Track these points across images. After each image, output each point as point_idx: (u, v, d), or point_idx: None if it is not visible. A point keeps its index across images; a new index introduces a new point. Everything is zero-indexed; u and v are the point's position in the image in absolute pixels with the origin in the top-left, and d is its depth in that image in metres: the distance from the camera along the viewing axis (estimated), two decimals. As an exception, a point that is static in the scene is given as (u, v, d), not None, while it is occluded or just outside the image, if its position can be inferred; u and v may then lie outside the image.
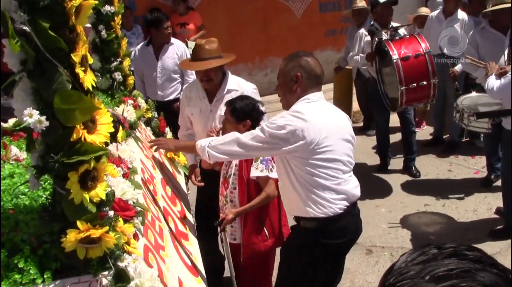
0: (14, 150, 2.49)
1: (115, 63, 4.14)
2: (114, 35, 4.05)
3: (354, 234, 2.79)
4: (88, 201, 1.71)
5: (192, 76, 5.63)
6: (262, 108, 3.30)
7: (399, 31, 5.33)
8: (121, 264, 1.78)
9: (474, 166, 6.12)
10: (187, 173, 4.13)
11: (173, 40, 5.69)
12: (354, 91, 7.85)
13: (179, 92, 5.62)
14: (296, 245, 2.73)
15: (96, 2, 1.69)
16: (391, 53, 4.86)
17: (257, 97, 3.70)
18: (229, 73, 3.81)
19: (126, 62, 4.22)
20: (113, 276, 1.76)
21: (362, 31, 6.02)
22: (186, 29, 7.68)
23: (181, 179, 4.07)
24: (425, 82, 4.84)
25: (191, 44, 6.41)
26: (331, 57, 9.76)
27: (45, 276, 1.73)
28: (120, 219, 1.88)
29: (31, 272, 1.72)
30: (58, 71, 1.61)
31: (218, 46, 3.65)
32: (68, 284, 1.75)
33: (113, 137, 3.00)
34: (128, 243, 1.90)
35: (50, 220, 1.77)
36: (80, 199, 1.69)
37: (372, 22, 5.93)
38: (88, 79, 1.68)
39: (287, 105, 2.74)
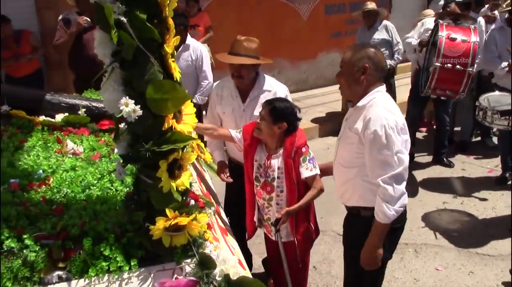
0: (70, 144, 2.52)
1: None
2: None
3: (406, 216, 2.87)
4: (175, 189, 1.75)
5: (206, 81, 5.58)
6: (299, 114, 3.33)
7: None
8: (205, 251, 1.82)
9: (487, 165, 6.22)
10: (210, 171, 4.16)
11: (190, 41, 5.62)
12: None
13: (192, 96, 5.57)
14: (359, 234, 2.77)
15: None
16: (440, 31, 4.84)
17: (289, 99, 3.75)
18: (263, 73, 3.84)
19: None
20: (197, 263, 1.80)
21: (427, 19, 6.21)
22: (196, 31, 7.70)
23: (207, 177, 4.10)
24: (461, 67, 4.76)
25: None
26: (337, 59, 9.81)
27: (132, 264, 1.76)
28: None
29: (118, 259, 1.75)
30: (150, 61, 1.65)
31: (257, 47, 3.67)
32: (153, 272, 1.78)
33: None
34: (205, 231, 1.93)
35: (135, 209, 1.80)
36: (168, 187, 1.72)
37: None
38: (177, 70, 1.71)
39: (350, 95, 2.77)
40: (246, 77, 3.62)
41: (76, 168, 2.32)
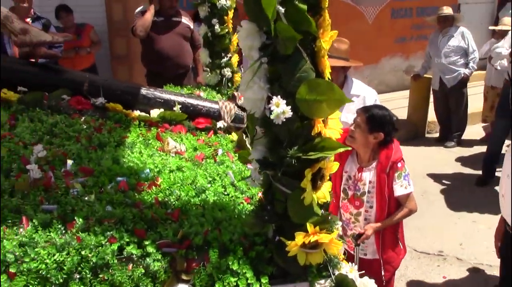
0: (172, 142, 2.37)
1: (225, 59, 4.02)
2: (226, 30, 3.95)
3: None
4: (316, 202, 1.56)
5: None
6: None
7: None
8: (342, 273, 1.63)
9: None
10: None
11: None
12: (431, 100, 7.59)
13: None
14: None
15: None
16: None
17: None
18: (351, 77, 3.64)
19: (235, 59, 4.10)
20: (333, 285, 1.61)
21: None
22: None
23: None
24: None
25: None
26: (400, 64, 9.54)
27: (262, 281, 1.59)
28: (332, 223, 1.73)
29: (247, 275, 1.58)
30: (303, 57, 1.47)
31: (347, 48, 3.48)
32: (284, 292, 1.61)
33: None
34: (337, 250, 1.74)
35: (268, 220, 1.62)
36: (310, 199, 1.54)
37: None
38: (329, 69, 1.53)
39: None
40: (335, 80, 3.43)
41: (183, 169, 2.16)
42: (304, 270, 1.62)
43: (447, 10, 6.79)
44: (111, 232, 1.65)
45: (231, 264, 1.60)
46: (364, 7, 8.93)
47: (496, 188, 5.76)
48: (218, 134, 2.65)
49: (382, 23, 9.16)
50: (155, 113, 2.69)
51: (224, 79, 4.01)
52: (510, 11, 8.07)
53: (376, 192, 2.95)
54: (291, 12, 1.41)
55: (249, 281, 1.58)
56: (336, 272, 1.64)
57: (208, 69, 4.01)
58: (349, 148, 2.80)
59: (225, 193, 2.03)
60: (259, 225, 1.64)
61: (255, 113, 1.55)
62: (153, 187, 1.98)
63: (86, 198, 1.86)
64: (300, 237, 1.54)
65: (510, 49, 5.70)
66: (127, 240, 1.63)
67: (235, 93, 3.01)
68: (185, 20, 5.50)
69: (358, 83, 3.62)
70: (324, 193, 1.58)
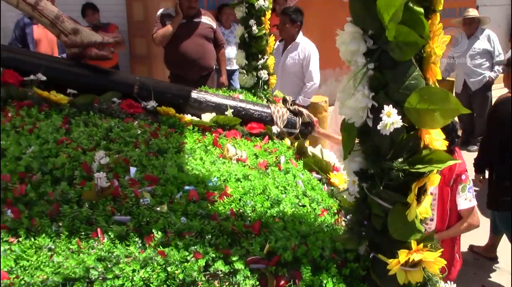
0: (231, 149, 2.27)
1: (261, 61, 3.92)
2: (264, 31, 3.85)
3: None
4: (419, 218, 1.47)
5: (311, 83, 5.34)
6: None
7: None
8: (443, 293, 1.53)
9: None
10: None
11: (301, 39, 5.40)
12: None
13: (296, 96, 5.33)
14: None
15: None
16: None
17: None
18: None
19: (271, 61, 4.01)
20: (433, 306, 1.52)
21: None
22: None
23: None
24: None
25: None
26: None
27: (359, 301, 1.49)
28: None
29: (344, 295, 1.49)
30: (413, 64, 1.37)
31: None
32: (382, 312, 1.51)
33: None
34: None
35: (365, 236, 1.53)
36: (414, 214, 1.44)
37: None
38: (437, 76, 1.43)
39: None
40: None
41: (249, 177, 2.07)
42: (402, 289, 1.53)
43: (473, 12, 6.69)
44: (195, 247, 1.56)
45: (325, 282, 1.50)
46: (383, 8, 8.83)
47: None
48: (274, 140, 2.56)
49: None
50: (207, 117, 2.59)
51: (260, 81, 3.91)
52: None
53: (438, 205, 2.86)
54: (406, 15, 1.31)
55: (345, 301, 1.49)
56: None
57: (244, 71, 3.91)
58: (459, 161, 2.69)
59: (300, 204, 1.93)
60: (355, 241, 1.55)
61: (354, 123, 1.46)
62: (225, 197, 1.89)
63: (158, 209, 1.77)
64: (403, 255, 1.45)
65: None
66: (213, 255, 1.54)
67: (287, 97, 2.91)
68: (207, 20, 5.41)
69: None
70: (426, 208, 1.49)
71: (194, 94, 2.66)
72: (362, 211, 1.54)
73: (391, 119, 1.33)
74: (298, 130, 2.73)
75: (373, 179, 1.48)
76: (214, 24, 5.49)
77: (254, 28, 3.79)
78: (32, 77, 2.42)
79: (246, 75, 3.91)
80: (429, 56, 1.39)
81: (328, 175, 2.26)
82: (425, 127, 1.38)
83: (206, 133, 2.49)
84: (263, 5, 3.80)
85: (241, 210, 1.82)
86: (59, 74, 2.52)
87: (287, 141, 2.64)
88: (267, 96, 3.77)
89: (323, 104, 5.87)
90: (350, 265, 1.57)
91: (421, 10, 1.31)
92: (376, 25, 1.34)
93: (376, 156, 1.46)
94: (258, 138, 2.57)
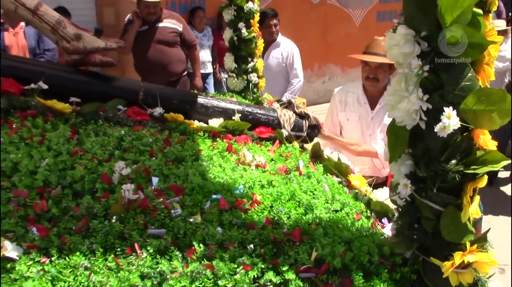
0: (248, 154, 2.22)
1: (251, 64, 3.88)
2: (253, 34, 3.81)
3: None
4: (471, 219, 1.46)
5: (297, 79, 5.37)
6: None
7: None
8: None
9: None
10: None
11: (281, 39, 5.41)
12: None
13: (281, 95, 5.32)
14: None
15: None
16: None
17: None
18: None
19: (260, 63, 3.97)
20: (484, 307, 1.52)
21: None
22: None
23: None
24: None
25: None
26: (385, 67, 9.59)
27: (414, 305, 1.48)
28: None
29: (399, 300, 1.47)
30: (467, 65, 1.36)
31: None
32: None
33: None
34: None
35: (417, 239, 1.51)
36: (468, 215, 1.44)
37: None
38: (488, 78, 1.43)
39: None
40: (382, 79, 3.37)
41: (274, 183, 2.02)
42: (455, 292, 1.52)
43: (499, 23, 6.57)
44: (242, 258, 1.51)
45: (378, 288, 1.48)
46: (351, 9, 8.95)
47: (502, 188, 5.84)
48: (285, 144, 2.52)
49: (369, 26, 9.19)
50: (214, 122, 2.53)
51: (250, 84, 3.87)
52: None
53: None
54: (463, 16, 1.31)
55: (402, 306, 1.47)
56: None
57: (234, 75, 3.86)
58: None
59: (332, 209, 1.90)
60: (406, 245, 1.53)
61: (406, 125, 1.44)
62: (255, 205, 1.84)
63: (191, 220, 1.70)
64: (458, 257, 1.44)
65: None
66: (262, 266, 1.49)
67: (292, 100, 2.88)
68: (170, 23, 5.35)
69: None
70: (476, 208, 1.49)
71: (201, 99, 2.59)
72: (411, 215, 1.52)
73: (451, 121, 1.32)
74: (305, 133, 2.70)
75: (423, 182, 1.47)
76: (180, 27, 5.41)
77: (244, 31, 3.75)
78: (33, 85, 2.30)
79: (236, 79, 3.86)
80: (483, 57, 1.39)
81: (348, 178, 2.24)
82: (482, 128, 1.38)
83: (217, 139, 2.43)
84: (252, 8, 3.76)
85: (275, 218, 1.78)
86: (60, 81, 2.40)
87: (296, 145, 2.61)
88: (260, 99, 3.73)
89: (301, 105, 5.88)
90: (400, 270, 1.55)
91: (480, 11, 1.30)
92: (431, 27, 1.32)
93: (429, 159, 1.45)
94: (269, 143, 2.53)
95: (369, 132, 3.44)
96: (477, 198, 1.51)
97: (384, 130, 3.37)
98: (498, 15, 8.62)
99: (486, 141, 1.41)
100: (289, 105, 2.80)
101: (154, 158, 2.10)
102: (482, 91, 1.34)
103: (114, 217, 1.70)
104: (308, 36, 8.35)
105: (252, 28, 3.83)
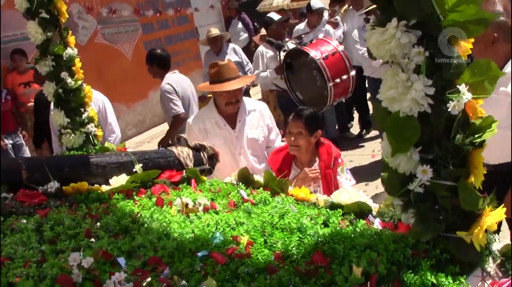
0: (189, 201, 2.00)
1: (85, 114, 3.50)
2: (80, 82, 3.46)
3: None
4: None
5: (113, 135, 4.79)
6: None
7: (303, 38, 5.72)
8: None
9: (364, 153, 6.86)
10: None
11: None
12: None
13: None
14: None
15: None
16: (312, 55, 5.17)
17: (271, 116, 3.62)
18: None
19: (93, 112, 3.61)
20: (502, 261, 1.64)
21: (262, 48, 6.15)
22: (31, 88, 6.69)
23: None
24: (345, 76, 5.28)
25: None
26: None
27: (461, 280, 1.52)
28: None
29: (449, 280, 1.50)
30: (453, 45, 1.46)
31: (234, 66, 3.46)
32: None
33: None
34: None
35: (443, 220, 1.55)
36: (479, 182, 1.54)
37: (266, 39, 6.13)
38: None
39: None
40: (241, 100, 3.38)
41: (243, 221, 1.85)
42: (479, 256, 1.61)
43: (214, 31, 7.06)
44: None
45: (428, 278, 1.47)
46: (120, 44, 8.75)
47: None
48: (206, 181, 2.33)
49: (140, 57, 9.11)
50: (120, 180, 2.20)
51: (90, 136, 3.48)
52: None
53: (323, 189, 3.03)
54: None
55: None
56: (498, 246, 1.68)
57: (69, 131, 3.41)
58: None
59: (320, 224, 1.83)
60: (434, 229, 1.56)
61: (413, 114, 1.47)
62: (252, 246, 1.66)
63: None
64: (482, 222, 1.53)
65: (270, 70, 6.11)
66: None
67: (183, 136, 2.66)
68: None
69: (246, 99, 3.61)
70: (481, 175, 1.57)
71: (93, 159, 2.23)
72: (429, 199, 1.55)
73: (466, 96, 1.39)
74: (208, 165, 2.54)
75: (433, 163, 1.52)
76: None
77: (69, 80, 3.37)
78: None
79: (72, 134, 3.42)
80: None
81: (290, 193, 2.18)
82: (478, 98, 1.48)
83: (135, 197, 2.12)
84: (72, 53, 3.40)
85: (278, 252, 1.63)
86: None
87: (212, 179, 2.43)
88: (111, 149, 3.37)
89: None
90: (432, 254, 1.57)
91: None
92: (425, 13, 1.37)
93: (437, 140, 1.50)
94: (184, 184, 2.31)
95: (238, 151, 3.41)
96: (480, 165, 1.60)
97: (251, 144, 3.40)
98: None
99: (476, 110, 1.52)
100: (180, 142, 2.59)
101: (92, 239, 1.73)
102: (474, 64, 1.45)
103: (115, 320, 1.34)
104: (86, 78, 7.89)
105: (77, 75, 3.46)
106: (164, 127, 9.38)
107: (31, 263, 1.55)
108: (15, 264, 1.55)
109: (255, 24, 11.17)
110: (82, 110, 3.47)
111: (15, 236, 1.70)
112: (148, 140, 8.88)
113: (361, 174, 6.09)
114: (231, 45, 7.38)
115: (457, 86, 1.40)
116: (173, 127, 4.97)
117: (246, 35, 10.60)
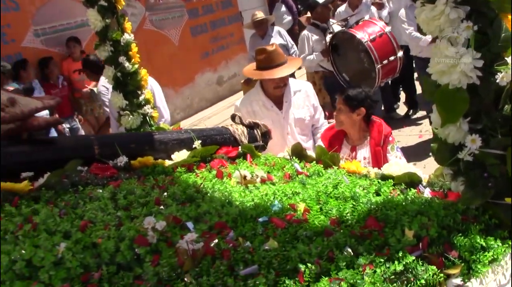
0: (246, 173, 2.14)
1: (142, 96, 3.68)
2: (136, 66, 3.64)
3: None
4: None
5: (162, 120, 5.00)
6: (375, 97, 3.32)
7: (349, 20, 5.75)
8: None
9: (411, 133, 6.86)
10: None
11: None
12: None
13: None
14: None
15: None
16: (359, 37, 5.20)
17: (316, 96, 3.71)
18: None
19: (149, 94, 3.79)
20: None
21: (306, 32, 6.22)
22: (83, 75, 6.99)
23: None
24: (393, 57, 5.29)
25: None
26: (212, 78, 9.86)
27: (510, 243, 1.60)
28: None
29: (498, 243, 1.58)
30: (501, 19, 1.53)
31: (279, 50, 3.56)
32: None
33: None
34: None
35: (492, 186, 1.63)
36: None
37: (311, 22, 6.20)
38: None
39: None
40: (288, 83, 3.49)
41: (298, 190, 1.98)
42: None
43: (260, 15, 7.13)
44: (358, 260, 1.46)
45: (479, 241, 1.56)
46: (167, 30, 8.98)
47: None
48: (259, 156, 2.47)
49: (187, 43, 9.33)
50: (181, 155, 2.37)
51: (147, 117, 3.67)
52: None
53: (373, 165, 3.10)
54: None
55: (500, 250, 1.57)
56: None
57: (128, 112, 3.61)
58: None
59: (373, 193, 1.94)
60: (483, 195, 1.64)
61: (462, 86, 1.55)
62: (308, 213, 1.79)
63: (267, 247, 1.59)
64: (531, 189, 1.60)
65: (317, 53, 6.13)
66: (381, 260, 1.47)
67: (237, 114, 2.81)
68: None
69: (292, 80, 3.71)
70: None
71: (157, 136, 2.40)
72: (478, 167, 1.64)
73: None
74: (261, 141, 2.68)
75: (482, 133, 1.60)
76: None
77: (127, 64, 3.55)
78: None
79: (130, 115, 3.62)
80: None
81: (342, 166, 2.30)
82: (526, 70, 1.55)
83: (196, 171, 2.28)
84: (129, 39, 3.58)
85: (334, 218, 1.75)
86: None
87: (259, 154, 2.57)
88: (167, 129, 3.56)
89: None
90: (482, 220, 1.65)
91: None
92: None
93: (486, 111, 1.58)
94: (241, 159, 2.45)
95: (286, 131, 3.53)
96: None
97: (298, 124, 3.51)
98: None
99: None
100: (234, 119, 2.74)
101: (162, 207, 1.89)
102: (522, 37, 1.51)
103: (189, 275, 1.50)
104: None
105: (133, 59, 3.64)
106: (211, 110, 9.63)
107: (110, 226, 1.73)
108: (97, 227, 1.73)
109: (299, 6, 11.19)
110: (139, 92, 3.65)
111: (93, 203, 1.89)
112: (196, 124, 9.09)
113: (409, 154, 6.08)
114: (276, 28, 7.46)
115: (505, 58, 1.47)
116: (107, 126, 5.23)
117: (289, 18, 10.64)
